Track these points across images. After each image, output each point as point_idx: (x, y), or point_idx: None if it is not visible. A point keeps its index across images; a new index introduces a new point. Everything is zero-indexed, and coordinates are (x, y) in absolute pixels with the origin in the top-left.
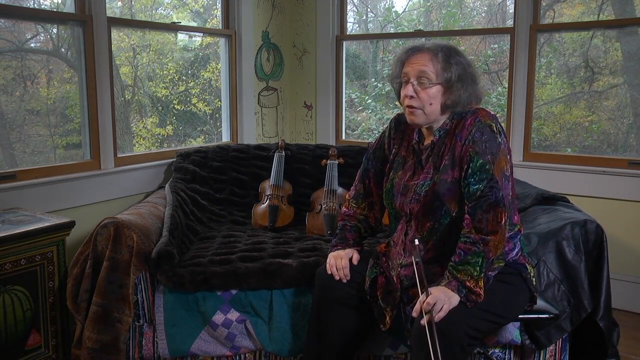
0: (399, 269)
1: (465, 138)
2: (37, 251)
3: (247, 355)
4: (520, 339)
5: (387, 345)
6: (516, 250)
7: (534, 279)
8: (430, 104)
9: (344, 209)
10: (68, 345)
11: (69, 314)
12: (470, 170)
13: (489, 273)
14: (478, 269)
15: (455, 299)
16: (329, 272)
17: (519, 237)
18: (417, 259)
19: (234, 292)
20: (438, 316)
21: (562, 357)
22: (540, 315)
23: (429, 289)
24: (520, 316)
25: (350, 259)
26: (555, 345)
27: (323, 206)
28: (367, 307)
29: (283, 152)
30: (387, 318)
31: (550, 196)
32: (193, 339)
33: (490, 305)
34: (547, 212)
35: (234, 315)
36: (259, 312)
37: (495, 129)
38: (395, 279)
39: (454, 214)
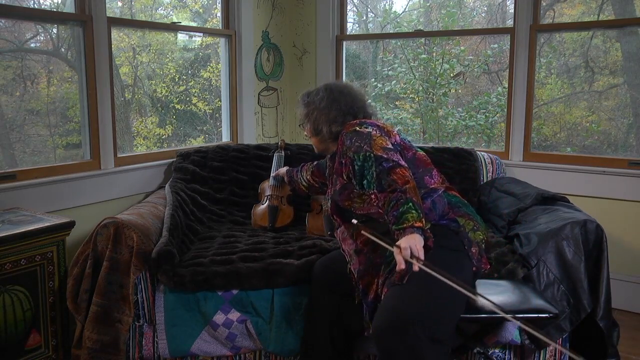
0: (350, 266)
1: (339, 152)
2: (37, 251)
3: (247, 355)
4: (520, 339)
5: None
6: (438, 209)
7: (474, 231)
8: (311, 137)
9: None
10: (68, 345)
11: (69, 314)
12: (357, 168)
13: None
14: (414, 210)
15: (420, 239)
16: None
17: (434, 196)
18: (355, 222)
19: (235, 292)
20: (421, 256)
21: (562, 357)
22: (540, 315)
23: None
24: (520, 316)
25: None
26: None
27: (323, 206)
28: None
29: (283, 152)
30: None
31: (550, 196)
32: (193, 339)
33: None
34: (547, 212)
35: (234, 315)
36: (259, 312)
37: (360, 128)
38: (353, 276)
39: (352, 209)
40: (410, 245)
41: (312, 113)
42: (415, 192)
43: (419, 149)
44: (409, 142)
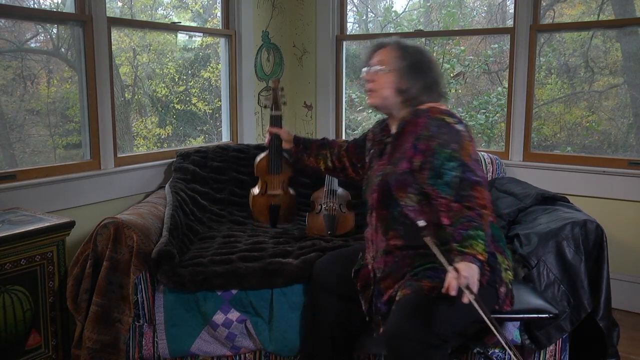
0: (372, 262)
1: (417, 134)
2: (37, 251)
3: (247, 355)
4: (520, 339)
5: None
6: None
7: (506, 271)
8: (384, 88)
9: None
10: (68, 345)
11: (69, 314)
12: (436, 162)
13: None
14: (482, 241)
15: (477, 272)
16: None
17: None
18: (425, 233)
19: (234, 292)
20: (474, 290)
21: (562, 357)
22: (540, 315)
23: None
24: (518, 316)
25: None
26: (555, 345)
27: (323, 206)
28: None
29: (280, 111)
30: (363, 307)
31: (550, 196)
32: (193, 339)
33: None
34: (547, 212)
35: (234, 315)
36: (259, 312)
37: (450, 120)
38: (371, 272)
39: (402, 204)
40: (470, 275)
41: (409, 69)
42: (486, 222)
43: None
44: None
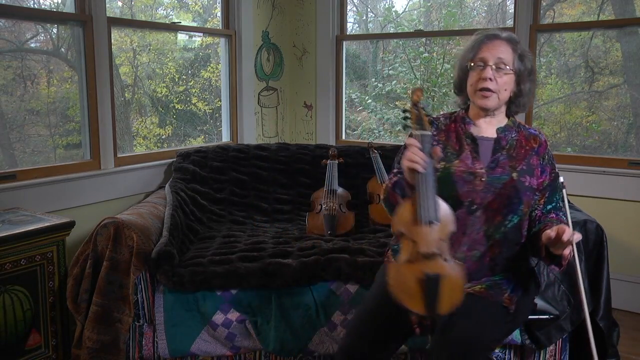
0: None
1: (542, 155)
2: (37, 251)
3: (247, 355)
4: (520, 339)
5: None
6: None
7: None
8: (505, 90)
9: (386, 183)
10: (68, 345)
11: (69, 314)
12: (551, 188)
13: None
14: None
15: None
16: (409, 164)
17: None
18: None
19: (234, 292)
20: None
21: (562, 357)
22: (540, 316)
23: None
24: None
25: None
26: (555, 345)
27: (323, 206)
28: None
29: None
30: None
31: None
32: (193, 339)
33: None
34: None
35: (234, 315)
36: (258, 312)
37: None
38: None
39: (522, 215)
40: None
41: (533, 80)
42: None
43: None
44: None
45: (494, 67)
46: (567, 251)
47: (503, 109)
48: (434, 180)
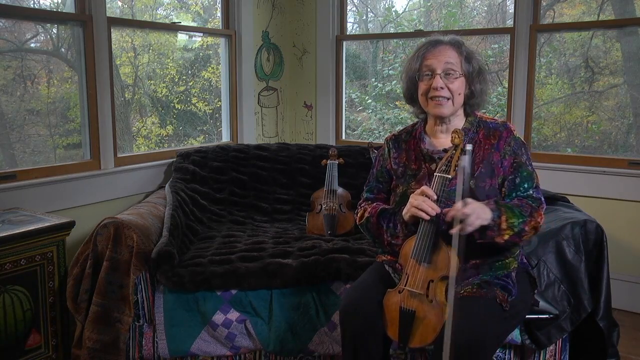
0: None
1: (502, 149)
2: (37, 251)
3: (247, 355)
4: (520, 339)
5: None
6: (522, 253)
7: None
8: (459, 94)
9: (364, 209)
10: (68, 345)
11: (69, 314)
12: (518, 179)
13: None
14: (517, 222)
15: (487, 216)
16: (414, 212)
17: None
18: (462, 165)
19: (234, 292)
20: (467, 229)
21: (562, 357)
22: (540, 316)
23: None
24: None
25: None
26: (555, 345)
27: (323, 206)
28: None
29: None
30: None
31: (550, 196)
32: (193, 339)
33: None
34: (547, 212)
35: (234, 315)
36: (258, 312)
37: (522, 139)
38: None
39: None
40: (474, 213)
41: (483, 78)
42: (533, 228)
43: None
44: None
45: (442, 74)
46: (454, 230)
47: (460, 111)
48: (437, 226)
